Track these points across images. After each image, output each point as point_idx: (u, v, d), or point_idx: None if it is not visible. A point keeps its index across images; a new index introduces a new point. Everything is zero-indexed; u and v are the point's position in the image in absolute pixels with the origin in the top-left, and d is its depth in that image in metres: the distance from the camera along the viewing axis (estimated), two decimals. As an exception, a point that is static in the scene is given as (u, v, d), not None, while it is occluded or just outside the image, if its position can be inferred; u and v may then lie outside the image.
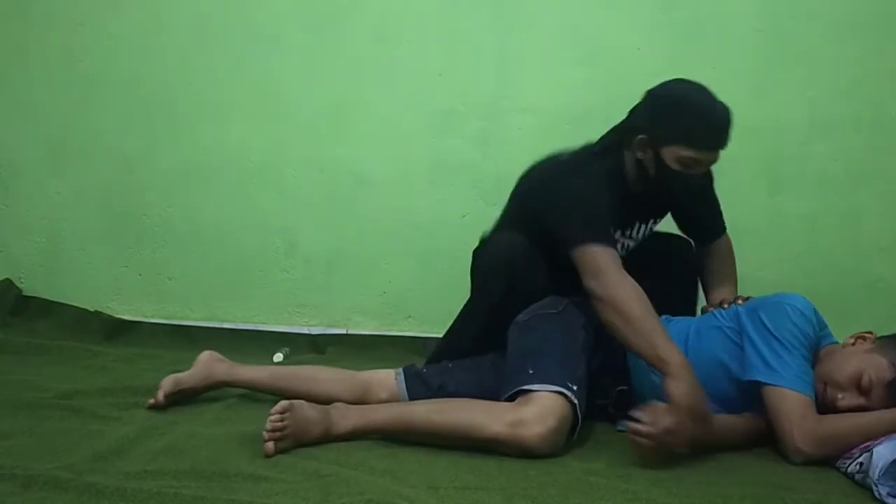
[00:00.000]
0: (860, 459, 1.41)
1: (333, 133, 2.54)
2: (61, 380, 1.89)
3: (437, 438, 1.50)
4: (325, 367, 1.87)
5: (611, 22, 2.35)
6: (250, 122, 2.56)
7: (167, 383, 1.72)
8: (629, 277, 1.63)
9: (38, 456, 1.36)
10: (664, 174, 1.73)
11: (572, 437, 1.56)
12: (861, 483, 1.39)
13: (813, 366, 1.61)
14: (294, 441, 1.45)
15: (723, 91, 2.33)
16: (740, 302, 1.80)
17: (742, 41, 2.36)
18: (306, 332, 2.52)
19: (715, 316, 1.76)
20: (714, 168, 1.91)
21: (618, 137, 1.80)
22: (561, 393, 1.51)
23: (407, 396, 1.72)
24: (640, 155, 1.75)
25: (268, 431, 1.41)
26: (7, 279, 2.62)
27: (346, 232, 2.56)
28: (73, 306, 2.59)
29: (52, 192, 2.63)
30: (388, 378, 1.76)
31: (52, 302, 2.60)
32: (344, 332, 2.53)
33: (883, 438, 1.41)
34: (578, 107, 2.37)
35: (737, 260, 2.34)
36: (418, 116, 2.50)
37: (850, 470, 1.43)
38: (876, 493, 1.33)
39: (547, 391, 1.51)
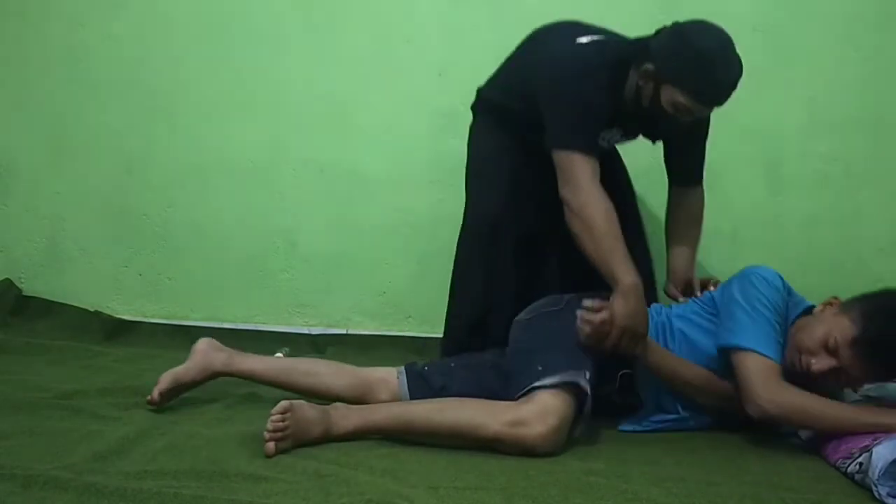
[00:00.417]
0: (860, 459, 1.41)
1: (333, 133, 2.54)
2: (61, 380, 1.89)
3: (438, 438, 1.50)
4: (325, 361, 1.86)
5: (611, 22, 2.34)
6: (250, 122, 2.56)
7: (164, 380, 1.70)
8: (603, 193, 1.71)
9: (37, 456, 1.36)
10: (654, 109, 1.76)
11: (582, 426, 1.56)
12: (861, 483, 1.39)
13: (786, 332, 1.66)
14: (294, 441, 1.45)
15: (723, 91, 2.34)
16: (712, 288, 1.86)
17: (742, 41, 2.34)
18: (306, 332, 2.52)
19: (692, 304, 1.81)
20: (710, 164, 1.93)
21: (635, 53, 1.80)
22: (572, 383, 1.51)
23: (408, 396, 1.72)
24: (640, 82, 1.77)
25: (269, 432, 1.41)
26: (7, 279, 2.62)
27: (346, 232, 2.56)
28: (73, 306, 2.59)
29: (52, 192, 2.63)
30: (389, 377, 1.76)
31: (52, 302, 2.60)
32: (344, 332, 2.53)
33: (883, 438, 1.41)
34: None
35: (737, 260, 2.34)
36: (418, 116, 2.50)
37: (850, 470, 1.43)
38: (876, 494, 1.33)
39: (556, 384, 1.51)
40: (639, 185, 2.33)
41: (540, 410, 1.48)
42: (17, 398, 1.69)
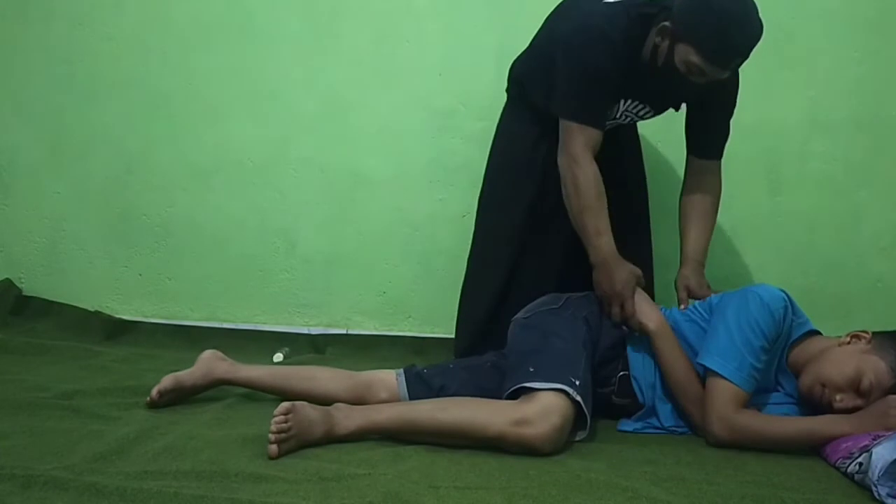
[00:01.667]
0: (860, 460, 1.41)
1: (333, 133, 2.54)
2: (61, 380, 1.89)
3: (442, 437, 1.50)
4: (324, 367, 1.86)
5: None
6: (250, 122, 2.56)
7: (166, 381, 1.72)
8: (593, 166, 1.78)
9: (38, 456, 1.36)
10: (668, 68, 1.75)
11: (584, 432, 1.56)
12: (860, 483, 1.39)
13: (785, 353, 1.66)
14: (298, 442, 1.45)
15: (723, 91, 2.34)
16: (712, 294, 1.85)
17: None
18: (306, 332, 2.52)
19: (692, 310, 1.80)
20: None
21: (655, 11, 1.79)
22: (562, 390, 1.51)
23: (408, 397, 1.72)
24: (657, 39, 1.76)
25: (273, 433, 1.41)
26: (7, 279, 2.62)
27: (346, 232, 2.56)
28: (73, 306, 2.59)
29: (51, 192, 2.63)
30: (388, 378, 1.76)
31: (52, 302, 2.60)
32: (344, 332, 2.53)
33: (882, 439, 1.41)
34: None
35: (736, 261, 2.35)
36: (418, 116, 2.50)
37: (849, 470, 1.43)
38: (875, 494, 1.33)
39: (549, 389, 1.51)
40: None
41: (542, 410, 1.48)
42: (17, 398, 1.69)
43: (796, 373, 1.67)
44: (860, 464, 1.40)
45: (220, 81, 2.56)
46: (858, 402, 1.54)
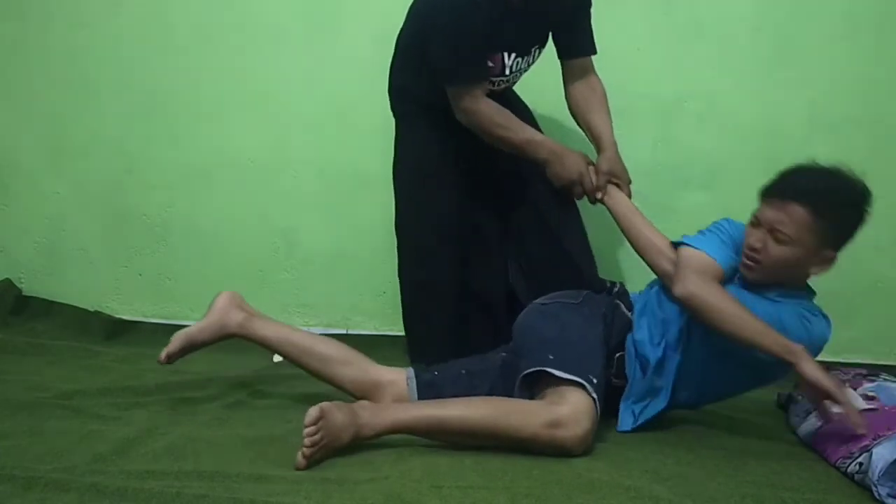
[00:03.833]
0: (860, 459, 1.41)
1: (333, 133, 2.54)
2: (61, 380, 1.89)
3: (472, 438, 1.47)
4: (340, 347, 1.77)
5: (611, 22, 2.35)
6: (250, 122, 2.56)
7: (176, 341, 1.70)
8: (487, 103, 1.92)
9: (38, 456, 1.36)
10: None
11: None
12: (861, 483, 1.39)
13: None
14: (326, 452, 1.38)
15: (723, 91, 2.34)
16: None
17: (742, 41, 2.36)
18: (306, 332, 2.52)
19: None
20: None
21: None
22: (582, 385, 1.50)
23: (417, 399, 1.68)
24: None
25: (306, 447, 1.34)
26: (7, 279, 2.62)
27: (346, 232, 2.56)
28: (73, 306, 2.59)
29: (51, 192, 2.63)
30: (398, 380, 1.72)
31: (52, 302, 2.60)
32: (344, 332, 2.53)
33: (882, 439, 1.42)
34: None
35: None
36: (418, 116, 2.50)
37: (849, 470, 1.43)
38: (875, 494, 1.33)
39: (570, 380, 1.50)
40: (641, 186, 2.33)
41: (574, 413, 1.46)
42: (18, 398, 1.70)
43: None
44: (860, 464, 1.40)
45: (220, 81, 2.56)
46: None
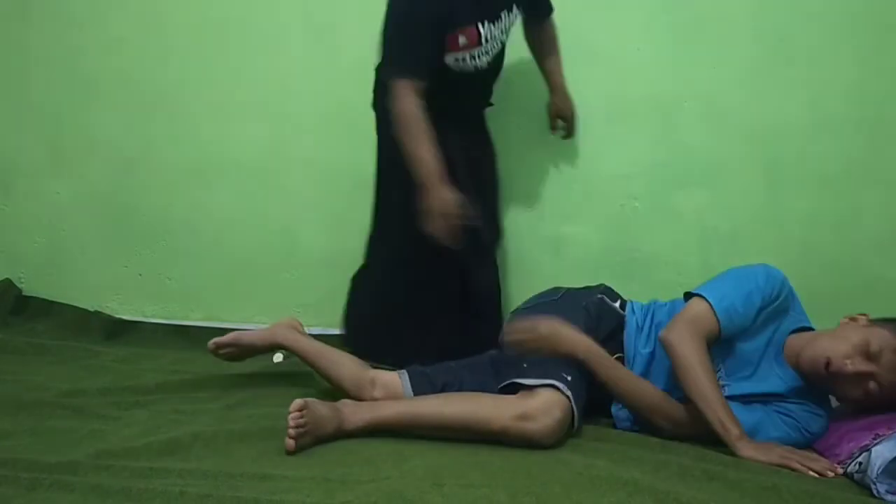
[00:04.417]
0: (859, 459, 1.42)
1: (333, 133, 2.54)
2: (61, 380, 1.90)
3: (446, 431, 1.53)
4: (348, 356, 1.89)
5: (611, 22, 2.35)
6: (250, 122, 2.56)
7: (227, 337, 1.85)
8: (415, 105, 1.89)
9: (40, 456, 1.36)
10: None
11: (572, 428, 1.57)
12: (860, 482, 1.40)
13: (782, 344, 1.66)
14: (312, 438, 1.47)
15: (723, 91, 2.34)
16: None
17: (742, 41, 2.36)
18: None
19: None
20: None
21: None
22: (554, 386, 1.54)
23: (412, 393, 1.73)
24: None
25: (291, 429, 1.43)
26: (7, 279, 2.62)
27: (346, 232, 2.55)
28: (73, 306, 2.59)
29: (51, 193, 2.63)
30: (390, 377, 1.77)
31: (52, 302, 2.61)
32: (343, 332, 2.53)
33: (882, 438, 1.42)
34: (578, 107, 2.37)
35: (735, 260, 2.34)
36: (418, 116, 2.50)
37: (849, 469, 1.44)
38: (874, 491, 1.33)
39: (540, 385, 1.54)
40: (639, 186, 2.34)
41: (543, 405, 1.51)
42: (18, 398, 1.70)
43: (793, 361, 1.66)
44: (860, 463, 1.41)
45: (219, 81, 2.56)
46: (871, 366, 1.53)
